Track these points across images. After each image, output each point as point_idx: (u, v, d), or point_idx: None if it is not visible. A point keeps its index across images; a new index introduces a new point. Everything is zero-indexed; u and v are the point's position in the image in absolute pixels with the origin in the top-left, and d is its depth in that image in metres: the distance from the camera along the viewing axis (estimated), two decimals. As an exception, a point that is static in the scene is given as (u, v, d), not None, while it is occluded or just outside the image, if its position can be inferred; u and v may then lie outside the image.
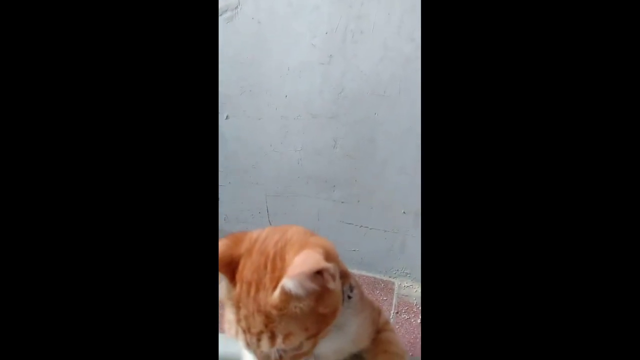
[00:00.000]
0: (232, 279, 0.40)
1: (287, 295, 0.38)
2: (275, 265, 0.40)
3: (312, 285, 0.38)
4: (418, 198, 1.13)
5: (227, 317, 0.41)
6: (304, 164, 1.21)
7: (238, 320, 0.39)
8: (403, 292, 1.19)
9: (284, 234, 0.44)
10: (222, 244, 0.42)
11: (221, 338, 0.58)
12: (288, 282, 0.37)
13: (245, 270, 0.40)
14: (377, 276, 1.23)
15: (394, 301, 1.13)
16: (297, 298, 0.38)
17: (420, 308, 1.12)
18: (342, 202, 1.23)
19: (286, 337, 0.38)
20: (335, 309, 0.43)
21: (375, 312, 0.57)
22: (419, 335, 1.03)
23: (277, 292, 0.38)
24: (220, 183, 1.41)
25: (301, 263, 0.37)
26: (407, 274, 1.23)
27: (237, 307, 0.39)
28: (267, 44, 1.13)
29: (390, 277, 1.24)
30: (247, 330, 0.39)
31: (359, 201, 1.20)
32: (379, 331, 0.55)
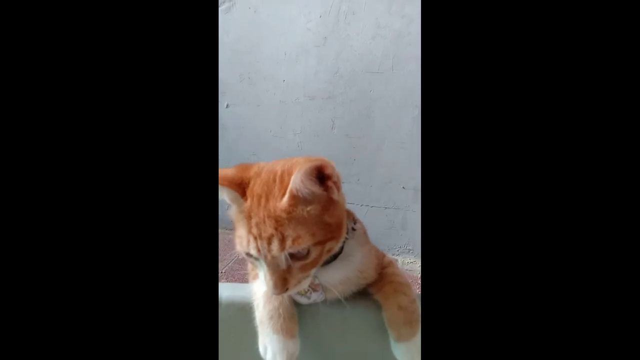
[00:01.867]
0: (243, 194, 0.43)
1: (294, 199, 0.41)
2: (283, 179, 0.43)
3: (315, 183, 0.41)
4: (417, 173, 1.16)
5: (238, 233, 0.44)
6: (303, 146, 1.24)
7: (249, 230, 0.42)
8: (407, 267, 1.20)
9: (291, 159, 0.47)
10: (233, 169, 0.45)
11: (228, 286, 0.60)
12: (294, 180, 0.39)
13: (256, 186, 0.43)
14: (381, 254, 1.24)
15: (399, 276, 1.15)
16: (304, 201, 0.41)
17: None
18: (343, 182, 1.25)
19: (295, 239, 0.40)
20: (340, 223, 0.46)
21: (380, 252, 0.59)
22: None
23: (285, 197, 0.41)
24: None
25: (305, 162, 0.41)
26: (409, 250, 1.24)
27: (249, 218, 0.42)
28: (263, 32, 1.17)
29: (393, 254, 1.25)
30: (258, 237, 0.41)
31: (358, 180, 1.22)
32: (384, 267, 0.56)
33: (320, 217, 0.42)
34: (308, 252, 0.43)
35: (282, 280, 0.42)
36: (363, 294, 0.56)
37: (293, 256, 0.42)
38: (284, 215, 0.41)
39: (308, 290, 0.52)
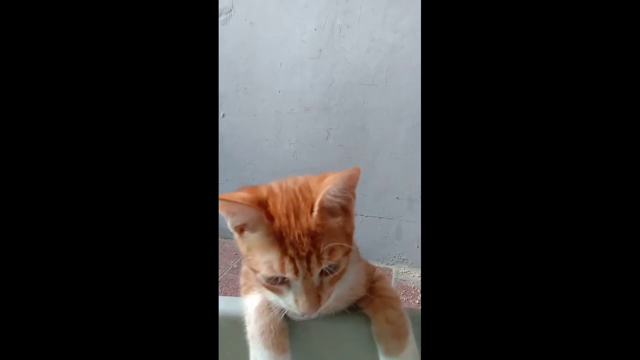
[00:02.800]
0: (268, 215, 0.42)
1: (323, 212, 0.42)
2: (304, 195, 0.44)
3: (344, 191, 0.42)
4: (411, 183, 1.18)
5: (264, 258, 0.42)
6: (298, 156, 1.25)
7: (284, 251, 0.41)
8: (401, 277, 1.21)
9: (296, 177, 0.48)
10: (242, 193, 0.45)
11: (221, 299, 0.60)
12: (325, 194, 0.41)
13: (278, 206, 0.43)
14: (375, 264, 1.24)
15: (393, 286, 1.15)
16: (331, 213, 0.43)
17: (417, 290, 1.13)
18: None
19: (330, 253, 0.41)
20: (352, 234, 0.47)
21: (370, 267, 0.60)
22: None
23: (315, 211, 0.41)
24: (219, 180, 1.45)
25: (333, 177, 0.42)
26: (403, 260, 1.25)
27: (281, 238, 0.41)
28: (259, 43, 1.19)
29: (387, 264, 1.26)
30: (296, 256, 0.40)
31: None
32: (374, 281, 0.57)
33: (344, 228, 0.43)
34: (338, 265, 0.43)
35: (316, 299, 0.42)
36: (353, 309, 0.57)
37: (323, 271, 0.43)
38: (318, 230, 0.41)
39: None
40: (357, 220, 1.33)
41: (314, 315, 0.52)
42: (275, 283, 0.43)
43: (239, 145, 1.31)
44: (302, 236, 0.41)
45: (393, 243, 1.25)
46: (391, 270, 1.24)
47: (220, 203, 0.40)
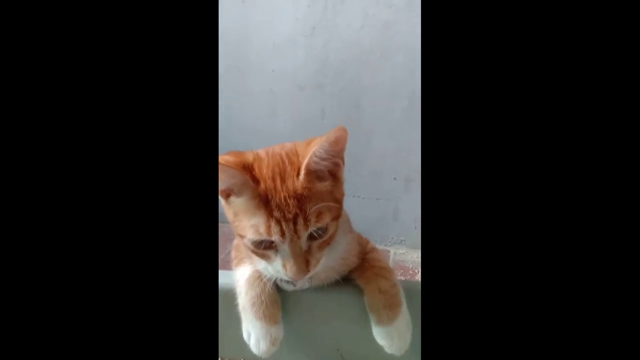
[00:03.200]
0: (253, 178, 0.41)
1: (310, 175, 0.41)
2: (291, 158, 0.43)
3: (332, 152, 0.42)
4: (407, 163, 1.16)
5: (251, 222, 0.41)
6: (293, 136, 1.23)
7: (270, 214, 0.40)
8: (399, 258, 1.21)
9: (284, 143, 0.47)
10: (227, 156, 0.44)
11: (222, 273, 0.60)
12: (312, 156, 0.40)
13: (264, 169, 0.42)
14: (373, 245, 1.24)
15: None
16: (319, 177, 0.42)
17: (415, 270, 1.13)
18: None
19: (317, 216, 0.40)
20: (342, 200, 0.46)
21: (363, 239, 0.59)
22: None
23: (302, 174, 0.41)
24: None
25: (318, 140, 0.41)
26: (401, 241, 1.25)
27: (266, 202, 0.40)
28: (252, 22, 1.16)
29: (385, 245, 1.26)
30: (282, 218, 0.40)
31: (349, 171, 1.22)
32: (366, 253, 0.56)
33: (332, 193, 0.43)
34: (326, 229, 0.42)
35: (304, 263, 0.42)
36: (345, 280, 0.56)
37: (311, 236, 0.42)
38: (305, 192, 0.40)
39: None
40: (354, 202, 1.32)
41: (302, 281, 0.51)
42: (263, 247, 0.42)
43: (234, 126, 1.29)
44: (288, 199, 0.40)
45: (390, 224, 1.24)
46: (389, 251, 1.24)
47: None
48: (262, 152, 0.46)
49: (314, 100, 1.17)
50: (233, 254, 0.58)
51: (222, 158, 0.42)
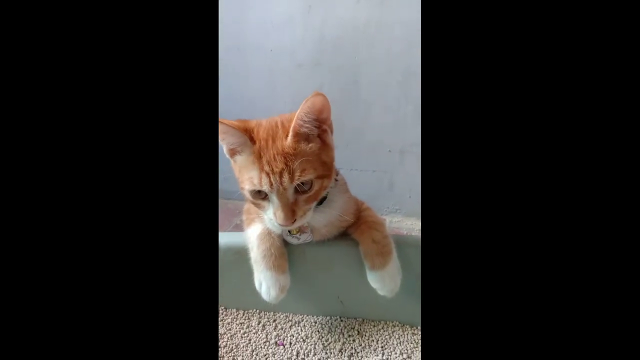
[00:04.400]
0: (251, 139, 0.50)
1: (298, 137, 0.49)
2: (284, 124, 0.51)
3: (314, 119, 0.49)
4: (402, 136, 1.22)
5: (248, 175, 0.50)
6: (293, 114, 1.29)
7: (261, 168, 0.48)
8: (394, 225, 1.28)
9: (284, 114, 0.55)
10: (235, 121, 0.52)
11: (225, 234, 0.67)
12: (297, 120, 0.48)
13: (261, 132, 0.50)
14: (370, 215, 1.32)
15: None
16: (306, 139, 0.50)
17: (409, 234, 1.21)
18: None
19: (302, 171, 0.48)
20: (332, 164, 0.54)
21: (359, 200, 0.66)
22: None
23: (290, 136, 0.49)
24: (216, 143, 1.49)
25: (300, 106, 0.48)
26: (397, 210, 1.32)
27: (259, 158, 0.49)
28: (248, 2, 1.19)
29: (382, 214, 1.33)
30: (270, 172, 0.48)
31: (347, 145, 1.28)
32: (361, 212, 0.64)
33: (319, 155, 0.50)
34: (311, 185, 0.50)
35: (291, 212, 0.49)
36: (344, 235, 0.64)
37: (298, 191, 0.50)
38: (291, 151, 0.48)
39: (298, 231, 0.59)
40: (352, 175, 1.38)
41: (305, 235, 0.59)
42: (258, 198, 0.51)
43: (234, 106, 1.34)
44: (276, 155, 0.48)
45: (386, 195, 1.31)
46: (385, 219, 1.32)
47: (221, 126, 0.48)
48: (263, 120, 0.53)
49: (312, 77, 1.21)
50: (244, 216, 0.66)
51: (229, 121, 0.50)
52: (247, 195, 0.52)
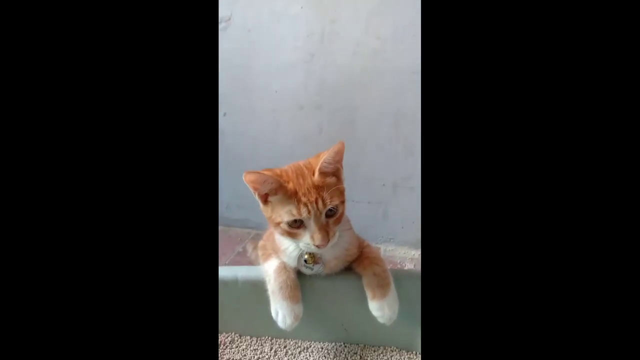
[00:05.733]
0: (285, 181, 0.61)
1: (322, 173, 0.62)
2: (307, 166, 0.64)
3: (335, 158, 0.63)
4: (393, 171, 1.34)
5: (286, 209, 0.60)
6: (294, 150, 1.39)
7: (299, 200, 0.59)
8: (389, 254, 1.37)
9: (298, 162, 0.67)
10: (265, 173, 0.61)
11: (243, 268, 0.75)
12: (322, 162, 0.61)
13: (290, 174, 0.62)
14: (365, 243, 1.41)
15: (381, 261, 1.32)
16: (327, 175, 0.63)
17: (402, 264, 1.30)
18: (330, 181, 1.41)
19: (331, 198, 0.60)
20: (344, 192, 0.66)
21: (360, 237, 0.76)
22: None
23: (317, 174, 0.62)
24: (220, 174, 1.58)
25: (326, 152, 0.62)
26: (390, 239, 1.42)
27: (295, 194, 0.59)
28: (256, 49, 1.32)
29: (376, 244, 1.43)
30: (307, 202, 0.59)
31: (345, 179, 1.38)
32: (363, 247, 0.73)
33: (338, 184, 0.63)
34: (336, 209, 0.62)
35: (325, 233, 0.60)
36: (348, 269, 0.73)
37: (327, 215, 0.61)
38: (320, 184, 0.60)
39: (313, 262, 0.68)
40: (349, 206, 1.49)
41: (318, 266, 0.69)
42: (295, 227, 0.60)
43: (240, 141, 1.44)
44: (310, 189, 0.59)
45: (381, 225, 1.41)
46: (380, 248, 1.41)
47: (253, 176, 0.58)
48: (284, 168, 0.65)
49: (312, 118, 1.33)
50: (260, 252, 0.74)
51: (263, 172, 0.60)
52: (284, 226, 0.61)
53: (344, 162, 1.37)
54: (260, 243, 0.74)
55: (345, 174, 1.40)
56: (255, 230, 1.45)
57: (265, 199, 0.63)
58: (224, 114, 1.42)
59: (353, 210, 1.45)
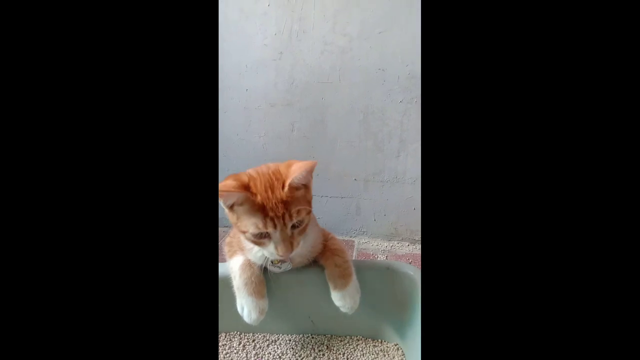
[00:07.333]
0: (252, 193, 0.59)
1: (292, 187, 0.60)
2: (277, 176, 0.61)
3: (306, 176, 0.61)
4: (363, 167, 1.37)
5: (252, 221, 0.59)
6: (267, 147, 1.40)
7: (266, 214, 0.58)
8: (362, 247, 1.41)
9: (268, 164, 0.66)
10: (230, 181, 0.61)
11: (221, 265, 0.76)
12: (293, 178, 0.59)
13: (258, 186, 0.60)
14: (340, 237, 1.44)
15: (354, 254, 1.35)
16: (297, 188, 0.61)
17: (375, 256, 1.34)
18: (304, 178, 1.43)
19: (298, 212, 0.59)
20: (311, 201, 0.66)
21: (325, 231, 0.78)
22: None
23: (286, 187, 0.59)
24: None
25: (299, 167, 0.60)
26: (363, 232, 1.46)
27: (263, 207, 0.58)
28: (226, 47, 1.32)
29: (350, 237, 1.46)
30: (275, 216, 0.58)
31: (317, 174, 1.41)
32: (327, 241, 0.76)
33: (305, 197, 0.62)
34: (302, 221, 0.62)
35: (290, 244, 0.60)
36: (313, 263, 0.75)
37: (293, 226, 0.61)
38: (288, 199, 0.59)
39: (279, 261, 0.70)
40: (323, 201, 1.52)
41: (286, 264, 0.70)
42: (260, 237, 0.61)
43: (212, 140, 1.44)
44: (278, 203, 0.59)
45: (354, 218, 1.45)
46: (354, 241, 1.44)
47: (220, 189, 0.56)
48: (253, 173, 0.63)
49: (284, 116, 1.34)
50: (226, 248, 0.76)
51: (229, 184, 0.59)
52: (249, 237, 0.61)
53: (316, 158, 1.40)
54: (227, 240, 0.76)
55: (319, 171, 1.44)
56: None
57: (230, 207, 0.62)
58: (195, 113, 1.42)
59: (327, 205, 1.50)
